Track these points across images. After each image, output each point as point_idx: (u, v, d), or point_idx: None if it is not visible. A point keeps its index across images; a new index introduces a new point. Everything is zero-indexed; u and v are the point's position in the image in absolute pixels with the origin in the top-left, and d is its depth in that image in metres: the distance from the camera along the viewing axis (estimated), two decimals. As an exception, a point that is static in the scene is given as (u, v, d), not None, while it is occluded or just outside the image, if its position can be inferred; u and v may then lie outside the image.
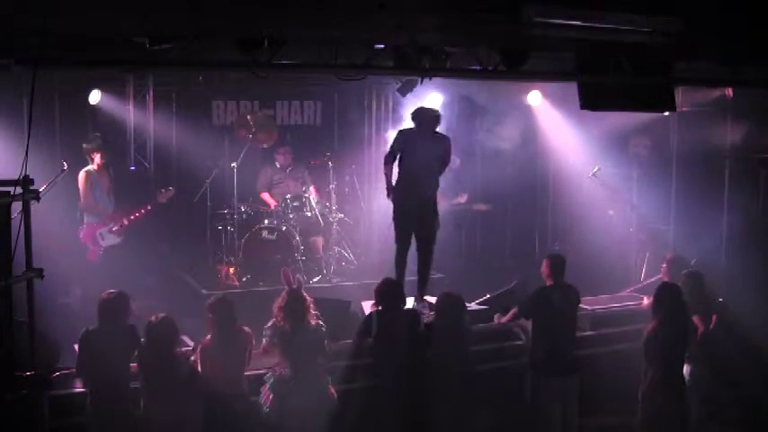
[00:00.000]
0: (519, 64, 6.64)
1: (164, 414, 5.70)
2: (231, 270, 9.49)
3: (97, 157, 8.56)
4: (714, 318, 7.09)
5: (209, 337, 6.09)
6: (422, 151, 7.74)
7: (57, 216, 8.27)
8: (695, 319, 6.80)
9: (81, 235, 8.55)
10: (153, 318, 5.91)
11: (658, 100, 7.28)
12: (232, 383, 6.07)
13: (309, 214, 9.78)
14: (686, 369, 6.84)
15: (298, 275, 6.53)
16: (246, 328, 6.17)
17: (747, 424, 7.31)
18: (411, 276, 8.37)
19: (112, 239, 8.58)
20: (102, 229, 8.55)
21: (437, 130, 7.87)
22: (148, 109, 10.18)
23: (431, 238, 7.92)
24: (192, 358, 6.08)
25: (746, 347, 7.34)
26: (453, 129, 10.95)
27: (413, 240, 7.90)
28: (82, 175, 8.46)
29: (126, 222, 8.64)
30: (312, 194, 9.95)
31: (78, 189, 8.52)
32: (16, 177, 5.05)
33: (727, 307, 7.58)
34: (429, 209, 7.85)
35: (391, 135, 10.64)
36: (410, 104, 9.92)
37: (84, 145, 8.69)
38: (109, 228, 8.55)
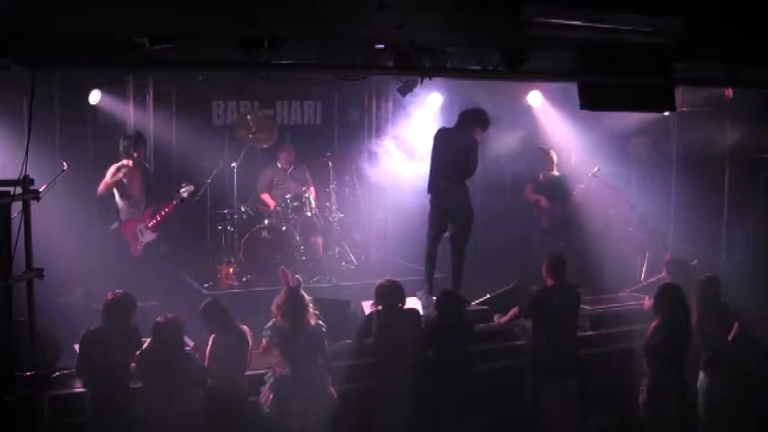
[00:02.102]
0: (519, 64, 6.64)
1: (167, 414, 5.70)
2: (231, 270, 9.47)
3: (134, 156, 8.71)
4: (737, 325, 6.99)
5: (212, 337, 6.10)
6: (447, 152, 7.93)
7: (57, 216, 8.27)
8: (710, 323, 6.77)
9: (122, 231, 8.70)
10: (160, 318, 5.93)
11: (658, 100, 7.28)
12: (233, 383, 6.07)
13: (309, 214, 9.78)
14: (703, 375, 6.79)
15: (297, 275, 6.54)
16: (245, 327, 6.18)
17: (749, 423, 7.30)
18: (414, 276, 8.39)
19: (150, 236, 8.75)
20: (140, 225, 8.72)
21: (477, 135, 8.06)
22: (148, 109, 10.16)
23: (458, 235, 8.03)
24: (197, 355, 6.09)
25: (747, 347, 7.32)
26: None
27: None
28: (114, 166, 8.62)
29: (159, 218, 8.78)
30: (312, 194, 9.96)
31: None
32: (16, 177, 5.04)
33: (727, 307, 7.56)
34: (454, 207, 7.96)
35: (389, 141, 10.73)
36: (411, 104, 9.97)
37: (123, 142, 8.80)
38: (146, 224, 8.71)
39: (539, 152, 10.20)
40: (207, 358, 6.03)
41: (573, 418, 6.85)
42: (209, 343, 6.07)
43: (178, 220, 10.23)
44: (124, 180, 8.66)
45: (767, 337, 7.22)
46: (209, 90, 10.62)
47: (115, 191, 8.71)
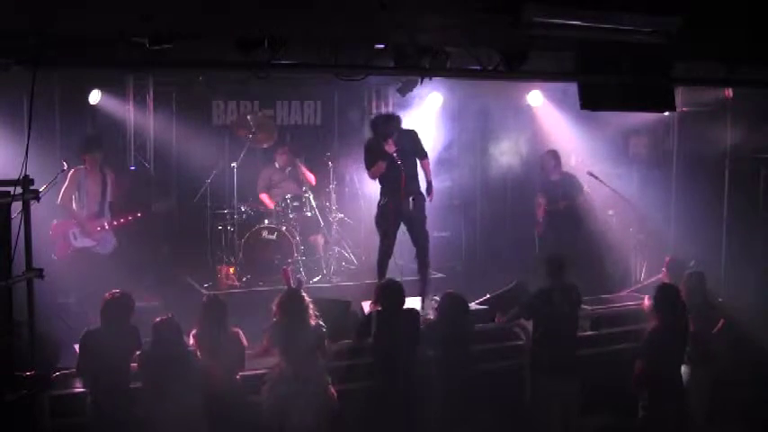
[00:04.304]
0: (519, 64, 6.64)
1: (167, 414, 5.69)
2: (231, 270, 9.49)
3: (86, 159, 8.37)
4: (722, 321, 7.06)
5: (195, 333, 6.07)
6: None
7: (57, 216, 8.27)
8: (696, 319, 6.80)
9: (52, 229, 8.21)
10: (159, 318, 5.93)
11: (658, 100, 7.27)
12: (228, 384, 6.06)
13: (309, 214, 9.79)
14: (686, 370, 6.84)
15: (298, 276, 6.54)
16: (237, 329, 6.17)
17: (748, 424, 7.31)
18: (414, 276, 8.39)
19: (86, 242, 8.29)
20: (75, 229, 8.30)
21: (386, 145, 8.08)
22: (148, 109, 10.19)
23: None
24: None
25: (746, 347, 7.34)
26: (454, 127, 10.99)
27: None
28: (70, 172, 8.23)
29: (106, 226, 8.37)
30: (311, 180, 9.94)
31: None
32: (16, 177, 5.04)
33: (726, 307, 7.58)
34: None
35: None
36: (411, 104, 9.97)
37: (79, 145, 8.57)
38: (84, 228, 8.29)
39: (546, 155, 9.95)
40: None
41: (573, 418, 6.84)
42: (192, 337, 6.06)
43: (179, 220, 10.25)
44: (85, 186, 8.30)
45: (759, 338, 7.24)
46: (209, 90, 10.63)
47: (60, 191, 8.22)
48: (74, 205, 8.29)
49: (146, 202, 8.96)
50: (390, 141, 7.98)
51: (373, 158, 8.05)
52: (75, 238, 8.27)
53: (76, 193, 8.32)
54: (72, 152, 8.64)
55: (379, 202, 8.17)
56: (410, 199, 7.99)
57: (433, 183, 8.23)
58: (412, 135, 8.25)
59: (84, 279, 7.80)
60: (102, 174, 8.49)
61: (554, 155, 9.89)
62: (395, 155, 7.95)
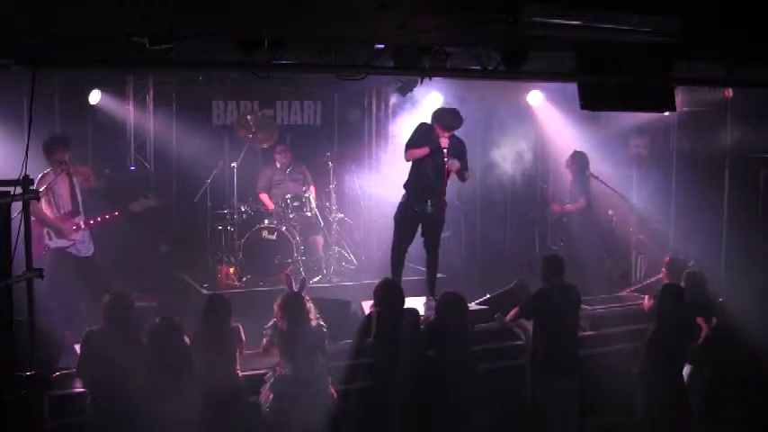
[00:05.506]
0: (519, 64, 6.65)
1: (167, 414, 5.69)
2: (231, 270, 9.49)
3: (52, 161, 7.72)
4: (714, 319, 7.10)
5: (197, 331, 6.07)
6: None
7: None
8: (696, 319, 6.82)
9: None
10: (157, 318, 5.93)
11: (658, 100, 7.28)
12: (228, 383, 6.06)
13: (309, 214, 9.79)
14: (687, 369, 6.85)
15: (302, 277, 6.54)
16: (237, 324, 6.18)
17: (747, 424, 7.31)
18: (414, 276, 8.39)
19: (61, 242, 7.74)
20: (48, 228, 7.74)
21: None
22: (148, 109, 10.20)
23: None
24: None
25: (746, 347, 7.34)
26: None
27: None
28: (39, 176, 7.55)
29: (82, 225, 7.86)
30: (312, 194, 9.96)
31: None
32: (16, 177, 5.05)
33: (726, 307, 7.58)
34: None
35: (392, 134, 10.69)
36: (411, 104, 9.97)
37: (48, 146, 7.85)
38: (57, 230, 7.72)
39: (576, 154, 9.75)
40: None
41: (573, 418, 6.84)
42: (194, 336, 6.05)
43: (179, 220, 10.25)
44: (54, 188, 7.74)
45: (759, 338, 7.24)
46: (209, 90, 10.64)
47: (43, 201, 7.64)
48: (45, 208, 7.69)
49: (124, 201, 8.52)
50: (447, 136, 7.83)
51: (420, 141, 7.82)
52: (51, 238, 7.72)
53: (51, 198, 7.75)
54: (72, 152, 8.39)
55: (402, 198, 8.01)
56: (429, 201, 7.86)
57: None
58: (460, 143, 8.04)
59: (58, 285, 7.25)
60: (70, 177, 7.88)
61: (579, 158, 9.71)
62: (445, 150, 7.80)
